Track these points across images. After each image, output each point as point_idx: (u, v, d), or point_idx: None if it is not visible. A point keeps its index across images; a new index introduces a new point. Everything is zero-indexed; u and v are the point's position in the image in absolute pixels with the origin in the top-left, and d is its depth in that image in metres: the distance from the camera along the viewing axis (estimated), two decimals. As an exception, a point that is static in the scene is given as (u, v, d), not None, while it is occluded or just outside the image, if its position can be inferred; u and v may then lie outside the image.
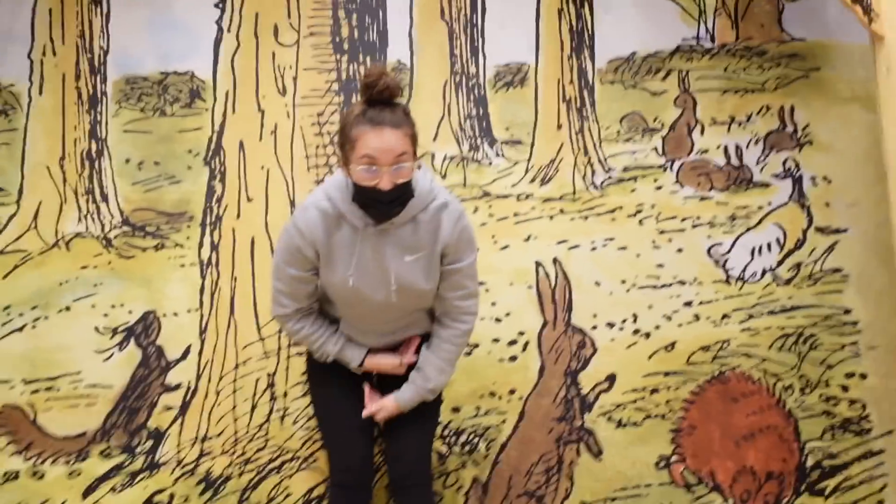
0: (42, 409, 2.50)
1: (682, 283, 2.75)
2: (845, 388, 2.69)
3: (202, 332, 2.60)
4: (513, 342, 2.65)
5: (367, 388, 2.19)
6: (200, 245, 2.67)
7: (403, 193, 1.91)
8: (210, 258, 2.66)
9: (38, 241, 2.63)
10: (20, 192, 2.67)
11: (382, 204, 1.89)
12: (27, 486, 2.45)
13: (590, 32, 2.94)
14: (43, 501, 2.44)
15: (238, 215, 2.69)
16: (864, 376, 2.70)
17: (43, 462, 2.46)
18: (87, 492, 2.45)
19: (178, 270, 2.64)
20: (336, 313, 2.15)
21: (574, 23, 2.95)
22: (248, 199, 2.71)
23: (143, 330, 2.58)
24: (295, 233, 1.99)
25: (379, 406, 2.15)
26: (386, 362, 2.17)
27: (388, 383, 2.21)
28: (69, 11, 2.81)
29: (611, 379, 2.66)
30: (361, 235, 1.97)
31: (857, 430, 2.66)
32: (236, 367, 2.58)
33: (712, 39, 2.96)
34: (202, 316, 2.61)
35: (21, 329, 2.55)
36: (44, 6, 2.80)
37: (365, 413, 2.16)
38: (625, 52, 2.93)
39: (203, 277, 2.64)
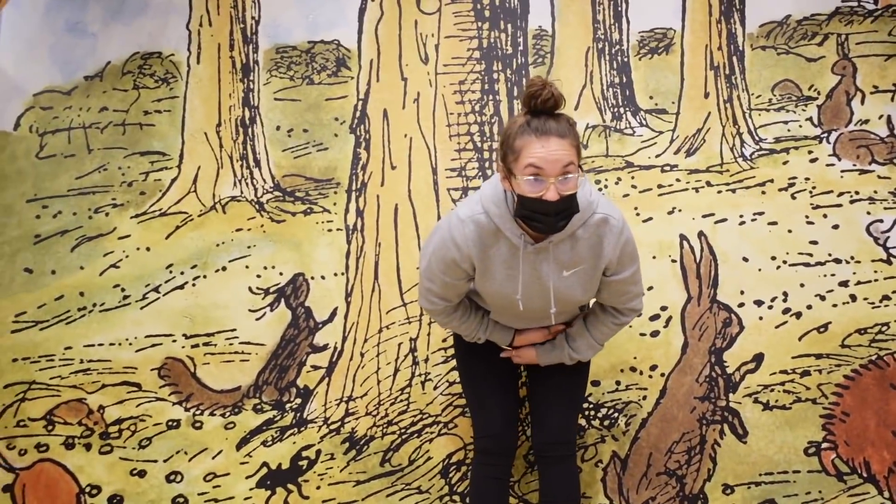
0: (201, 362, 2.65)
1: (838, 261, 2.61)
2: None
3: (348, 295, 2.68)
4: (655, 317, 2.60)
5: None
6: (346, 211, 2.74)
7: (569, 206, 1.82)
8: (355, 224, 2.73)
9: (197, 204, 2.77)
10: (181, 156, 2.82)
11: (548, 217, 1.80)
12: (187, 434, 2.61)
13: (740, -5, 2.81)
14: (201, 450, 2.60)
15: (382, 182, 2.74)
16: None
17: (202, 413, 2.62)
18: (241, 444, 2.59)
19: (325, 235, 2.72)
20: (487, 307, 2.16)
21: (724, -15, 2.82)
22: (392, 167, 2.75)
23: (293, 291, 2.68)
24: (451, 245, 1.95)
25: (518, 353, 2.19)
26: (534, 336, 2.19)
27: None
28: (224, -18, 2.91)
29: (758, 359, 2.57)
30: (520, 254, 1.93)
31: None
32: (380, 330, 2.65)
33: (875, 0, 2.77)
34: (348, 280, 2.69)
35: (182, 287, 2.71)
36: (201, -22, 2.92)
37: (503, 354, 2.19)
38: (778, 15, 2.79)
39: (349, 242, 2.72)
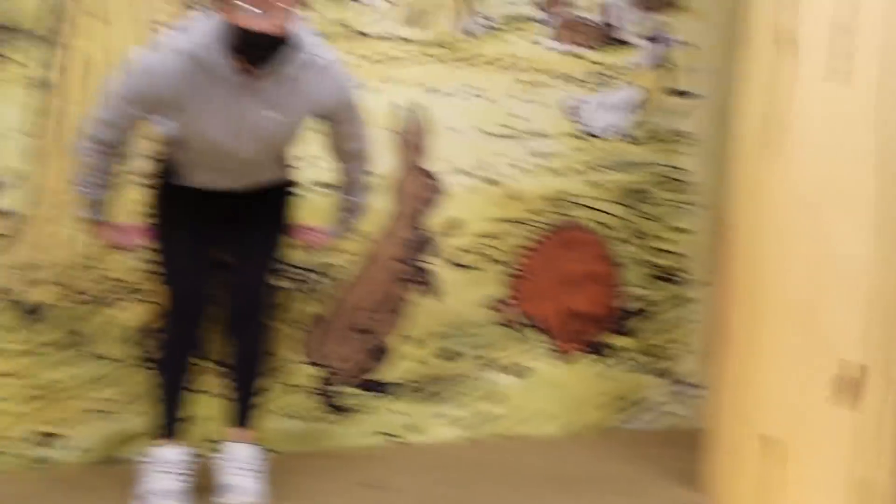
0: None
1: (537, 134, 2.77)
2: (671, 242, 2.92)
3: (32, 156, 2.37)
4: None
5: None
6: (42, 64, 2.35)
7: (283, 40, 1.86)
8: (49, 79, 2.36)
9: None
10: None
11: (261, 49, 1.86)
12: None
13: None
14: None
15: (82, 35, 2.37)
16: (688, 231, 2.92)
17: None
18: None
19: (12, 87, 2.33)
20: (184, 156, 2.08)
21: None
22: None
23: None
24: (145, 75, 1.92)
25: (311, 240, 2.30)
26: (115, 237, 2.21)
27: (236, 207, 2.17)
28: None
29: (455, 224, 2.72)
30: (221, 85, 1.93)
31: (677, 279, 2.94)
32: (68, 194, 2.40)
33: None
34: (34, 139, 2.36)
35: None
36: None
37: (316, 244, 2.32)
38: None
39: (39, 100, 2.36)
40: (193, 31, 1.95)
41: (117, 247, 2.20)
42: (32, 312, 2.39)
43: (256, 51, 1.86)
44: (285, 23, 1.84)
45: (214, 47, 1.89)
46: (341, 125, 2.11)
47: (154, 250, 2.19)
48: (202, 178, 2.10)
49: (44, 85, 2.36)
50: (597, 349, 2.89)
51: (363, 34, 2.61)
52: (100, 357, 2.45)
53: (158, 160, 2.16)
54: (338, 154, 2.19)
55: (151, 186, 2.18)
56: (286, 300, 2.55)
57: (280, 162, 2.18)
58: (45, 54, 2.36)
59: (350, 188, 2.24)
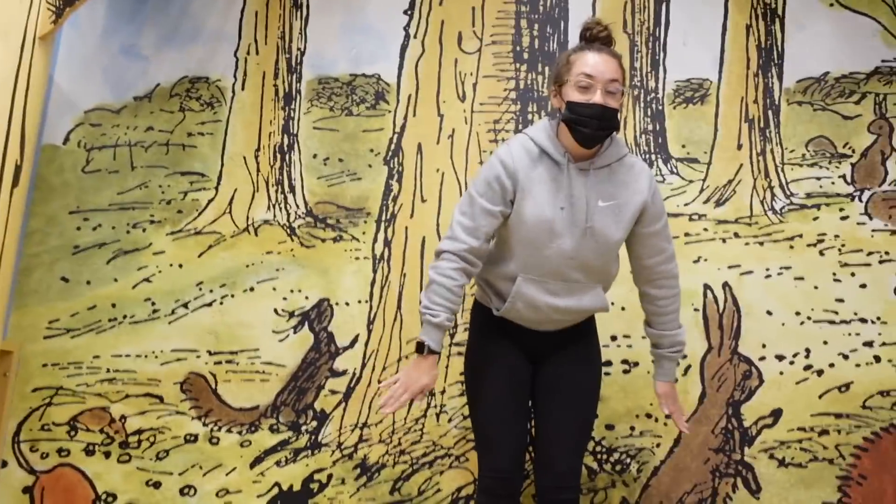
0: (222, 379, 2.71)
1: (864, 320, 2.59)
2: None
3: (370, 322, 2.72)
4: (674, 364, 2.59)
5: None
6: (375, 240, 2.79)
7: (612, 120, 2.03)
8: (383, 253, 2.78)
9: (230, 225, 2.85)
10: (219, 178, 2.90)
11: (593, 119, 2.00)
12: (203, 449, 2.66)
13: (779, 50, 2.83)
14: (216, 465, 2.64)
15: (412, 215, 2.80)
16: None
17: (219, 429, 2.67)
18: (255, 462, 2.63)
19: (352, 263, 2.77)
20: (513, 268, 2.10)
21: (763, 39, 2.85)
22: (423, 200, 2.81)
23: (317, 316, 2.73)
24: (498, 164, 2.09)
25: (675, 404, 2.23)
26: (425, 379, 2.08)
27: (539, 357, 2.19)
28: (273, 14, 3.02)
29: (776, 414, 2.54)
30: (562, 171, 2.07)
31: None
32: (399, 359, 2.68)
33: (916, 62, 2.78)
34: (371, 308, 2.73)
35: (210, 304, 2.77)
36: (251, 9, 3.03)
37: (684, 427, 2.20)
38: (816, 71, 2.80)
39: (375, 271, 2.76)
40: (532, 128, 2.15)
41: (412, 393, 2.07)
42: (360, 468, 2.59)
43: (589, 122, 2.00)
44: (613, 102, 2.02)
45: (551, 138, 2.09)
46: (654, 236, 2.14)
47: (472, 422, 2.22)
48: (525, 311, 2.09)
49: (374, 258, 2.76)
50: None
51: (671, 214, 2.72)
52: (414, 518, 2.54)
53: (480, 305, 2.20)
54: (647, 276, 2.18)
55: (469, 345, 2.22)
56: (592, 480, 2.50)
57: (606, 282, 2.17)
58: (375, 231, 2.78)
59: (665, 323, 2.20)
